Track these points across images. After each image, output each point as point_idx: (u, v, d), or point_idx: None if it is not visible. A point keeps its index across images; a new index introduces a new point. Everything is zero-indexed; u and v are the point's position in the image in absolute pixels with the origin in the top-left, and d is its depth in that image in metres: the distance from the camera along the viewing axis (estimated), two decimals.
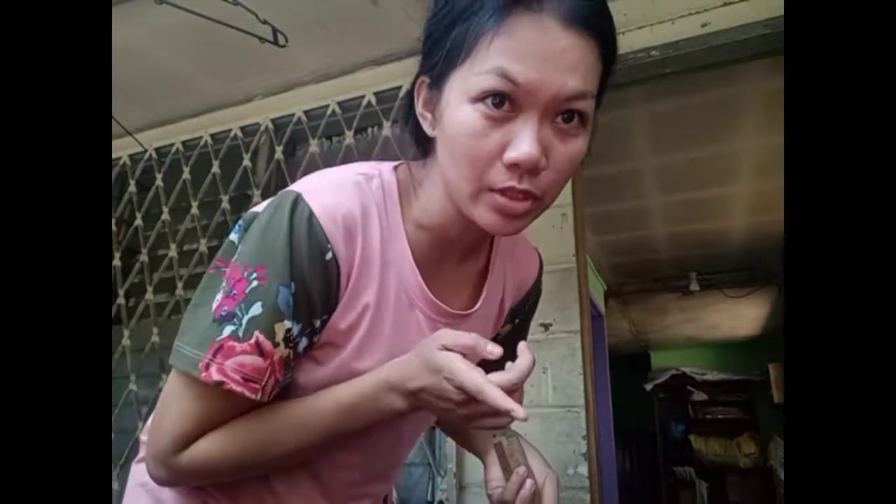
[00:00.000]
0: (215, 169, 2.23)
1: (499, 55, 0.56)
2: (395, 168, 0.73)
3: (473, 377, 0.56)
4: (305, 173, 2.24)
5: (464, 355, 0.58)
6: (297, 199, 0.62)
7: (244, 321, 0.60)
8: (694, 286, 4.36)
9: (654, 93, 2.25)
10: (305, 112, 2.14)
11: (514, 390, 0.57)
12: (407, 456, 0.86)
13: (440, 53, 0.60)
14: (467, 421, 0.60)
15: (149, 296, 2.18)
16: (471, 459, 1.63)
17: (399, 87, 1.99)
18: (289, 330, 0.61)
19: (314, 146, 2.09)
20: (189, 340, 0.61)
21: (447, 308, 0.71)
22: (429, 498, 1.67)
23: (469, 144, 0.58)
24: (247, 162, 2.19)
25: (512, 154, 0.57)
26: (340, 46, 2.00)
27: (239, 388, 0.59)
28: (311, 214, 0.61)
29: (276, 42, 1.82)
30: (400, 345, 0.68)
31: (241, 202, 2.21)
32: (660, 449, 6.41)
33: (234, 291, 0.61)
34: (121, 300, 2.25)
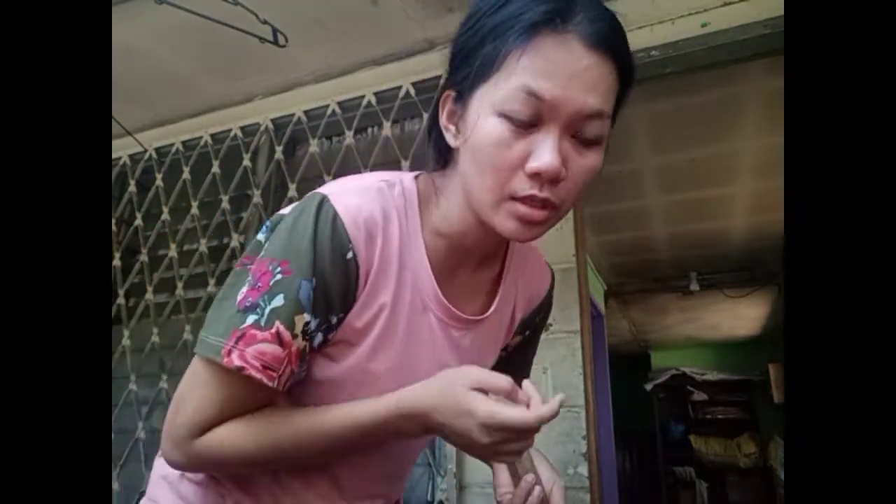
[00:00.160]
0: (215, 169, 2.23)
1: (526, 72, 0.60)
2: (416, 177, 0.76)
3: (523, 416, 0.58)
4: (305, 173, 2.23)
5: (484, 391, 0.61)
6: (323, 201, 0.66)
7: (266, 311, 0.63)
8: (694, 286, 4.36)
9: (654, 93, 2.25)
10: (305, 112, 2.14)
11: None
12: (416, 458, 0.88)
13: (469, 69, 0.64)
14: (492, 455, 0.63)
15: (149, 296, 2.18)
16: (471, 459, 1.63)
17: (399, 87, 1.99)
18: (307, 323, 0.64)
19: (314, 146, 2.09)
20: (213, 330, 0.65)
21: (459, 313, 0.74)
22: (429, 498, 1.67)
23: (494, 154, 0.62)
24: (247, 162, 2.19)
25: (534, 164, 0.60)
26: (340, 46, 2.00)
27: (258, 375, 0.62)
28: (335, 216, 0.65)
29: (276, 42, 1.82)
30: (412, 346, 0.71)
31: (241, 202, 2.21)
32: (660, 449, 6.40)
33: (259, 284, 0.64)
34: (121, 300, 2.25)
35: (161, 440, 0.69)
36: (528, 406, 0.61)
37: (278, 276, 0.64)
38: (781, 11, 1.54)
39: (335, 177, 1.98)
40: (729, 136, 2.59)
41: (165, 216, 2.27)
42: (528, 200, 0.62)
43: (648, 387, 6.56)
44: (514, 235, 0.65)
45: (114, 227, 2.41)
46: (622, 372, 5.06)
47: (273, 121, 2.21)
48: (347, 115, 2.07)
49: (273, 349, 0.63)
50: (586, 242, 1.95)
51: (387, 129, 1.99)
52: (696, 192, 3.13)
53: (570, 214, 1.73)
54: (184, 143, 2.37)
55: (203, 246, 2.15)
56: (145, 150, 2.40)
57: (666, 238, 3.78)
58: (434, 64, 1.96)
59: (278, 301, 0.63)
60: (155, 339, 2.10)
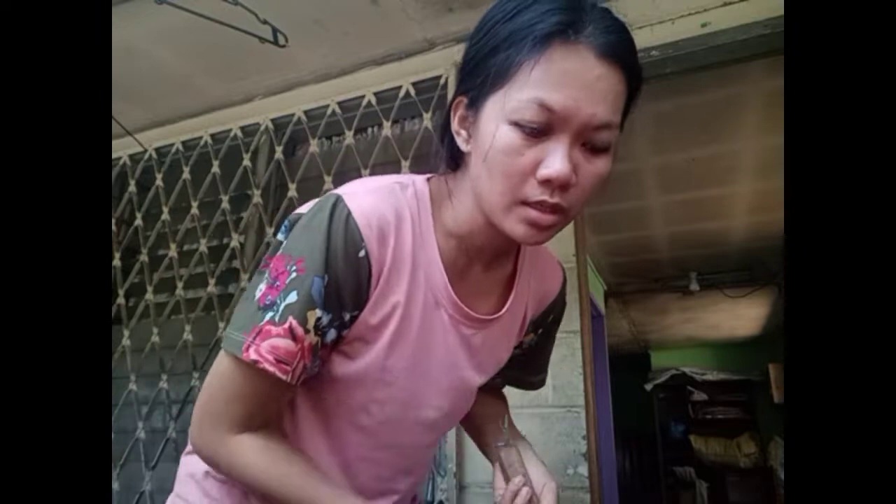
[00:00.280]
0: (215, 169, 2.23)
1: (538, 84, 0.61)
2: (429, 179, 0.78)
3: None
4: (305, 173, 2.23)
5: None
6: (338, 201, 0.68)
7: (281, 307, 0.66)
8: (694, 286, 4.36)
9: (655, 93, 2.24)
10: (305, 112, 2.14)
11: None
12: (430, 454, 0.90)
13: (481, 77, 0.66)
14: None
15: (149, 296, 2.18)
16: (471, 460, 1.63)
17: (399, 87, 1.99)
18: (319, 318, 0.66)
19: (314, 146, 2.09)
20: (236, 326, 0.68)
21: (471, 312, 0.76)
22: (429, 498, 1.67)
23: (505, 161, 0.63)
24: (247, 162, 2.19)
25: (545, 171, 0.62)
26: (340, 46, 2.00)
27: (271, 369, 0.65)
28: (348, 215, 0.67)
29: (276, 42, 1.82)
30: (425, 344, 0.74)
31: (241, 202, 2.21)
32: (660, 449, 6.41)
33: (277, 282, 0.67)
34: (121, 300, 2.25)
35: (190, 431, 0.72)
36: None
37: (293, 274, 0.66)
38: (781, 11, 1.54)
39: (335, 177, 1.99)
40: (729, 136, 2.59)
41: (165, 216, 2.27)
42: (538, 205, 0.64)
43: (648, 387, 6.56)
44: (524, 239, 0.66)
45: (114, 227, 2.41)
46: (622, 372, 5.06)
47: (273, 121, 2.21)
48: (347, 115, 2.07)
49: (286, 344, 0.65)
50: (586, 242, 1.95)
51: (387, 129, 1.99)
52: (696, 192, 3.13)
53: None
54: (184, 143, 2.37)
55: (203, 246, 2.15)
56: (145, 150, 2.40)
57: (666, 238, 3.78)
58: (434, 64, 1.96)
59: (292, 297, 0.66)
60: (155, 339, 2.10)
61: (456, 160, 0.74)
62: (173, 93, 2.26)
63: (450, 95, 0.73)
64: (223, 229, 2.18)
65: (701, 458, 6.12)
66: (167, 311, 2.14)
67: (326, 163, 2.04)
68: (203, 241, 2.15)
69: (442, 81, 1.93)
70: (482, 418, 0.93)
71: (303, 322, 0.65)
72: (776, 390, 5.84)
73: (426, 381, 0.76)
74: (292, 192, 2.04)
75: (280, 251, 0.69)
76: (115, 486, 2.02)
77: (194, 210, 2.21)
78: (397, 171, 1.89)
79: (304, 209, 0.72)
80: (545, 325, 0.92)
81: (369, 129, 2.16)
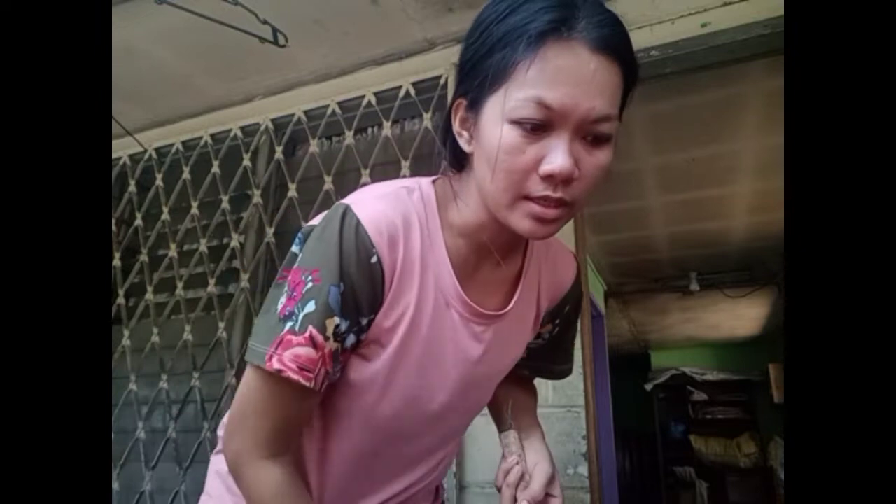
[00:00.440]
0: (215, 169, 2.23)
1: (535, 82, 0.62)
2: (434, 181, 0.79)
3: None
4: (305, 173, 2.23)
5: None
6: (347, 210, 0.71)
7: (300, 317, 0.68)
8: (694, 286, 4.36)
9: (654, 93, 2.24)
10: (305, 112, 2.14)
11: None
12: (453, 446, 0.92)
13: (478, 79, 0.67)
14: None
15: (149, 296, 2.18)
16: (471, 460, 1.63)
17: (399, 87, 1.99)
18: (338, 325, 0.69)
19: (314, 146, 2.09)
20: (258, 339, 0.70)
21: (480, 309, 0.77)
22: None
23: (507, 159, 0.64)
24: (247, 162, 2.19)
25: (547, 167, 0.63)
26: (340, 46, 2.00)
27: (295, 377, 0.67)
28: (358, 223, 0.69)
29: (276, 42, 1.82)
30: (436, 342, 0.76)
31: (241, 202, 2.21)
32: (660, 449, 6.40)
33: (294, 293, 0.70)
34: (121, 300, 2.25)
35: (223, 441, 0.76)
36: None
37: (310, 285, 0.69)
38: (781, 11, 1.54)
39: (335, 177, 1.99)
40: (729, 136, 2.59)
41: (165, 216, 2.27)
42: (542, 200, 0.65)
43: (648, 387, 6.56)
44: (531, 233, 0.68)
45: (114, 227, 2.41)
46: (622, 372, 5.06)
47: (273, 121, 2.21)
48: (347, 115, 2.07)
49: (307, 352, 0.68)
50: (586, 242, 1.95)
51: (387, 129, 1.99)
52: (696, 192, 3.13)
53: None
54: (184, 143, 2.36)
55: (203, 246, 2.15)
56: (145, 150, 2.40)
57: (666, 238, 3.78)
58: (434, 64, 1.96)
59: (310, 307, 0.68)
60: (155, 339, 2.10)
61: (459, 161, 0.75)
62: (173, 93, 2.26)
63: (450, 95, 0.75)
64: (223, 229, 2.18)
65: (701, 458, 6.12)
66: (167, 311, 2.14)
67: (326, 163, 2.04)
68: (203, 241, 2.15)
69: (442, 81, 1.93)
70: (499, 407, 0.94)
71: (322, 330, 0.68)
72: (776, 390, 5.84)
73: (437, 378, 0.78)
74: (292, 192, 2.04)
75: (296, 264, 0.72)
76: (115, 486, 2.02)
77: (194, 210, 2.21)
78: (397, 171, 1.89)
79: (316, 221, 0.75)
80: (562, 315, 0.93)
81: (369, 129, 2.16)
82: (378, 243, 0.70)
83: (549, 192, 0.64)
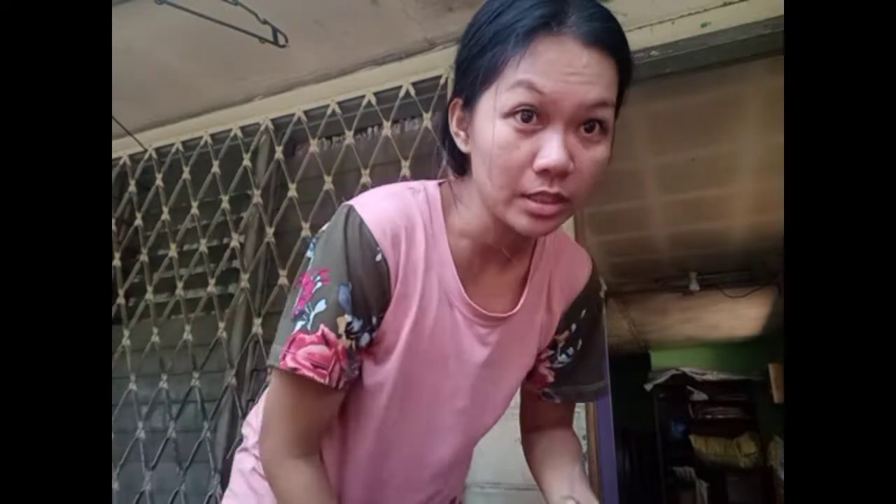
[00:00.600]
0: (215, 169, 2.23)
1: (525, 73, 0.62)
2: (440, 184, 0.80)
3: None
4: (305, 173, 2.22)
5: None
6: (350, 211, 0.72)
7: (311, 316, 0.70)
8: (694, 286, 4.35)
9: (654, 93, 2.24)
10: (305, 112, 2.14)
11: None
12: (465, 455, 0.92)
13: (471, 78, 0.67)
14: None
15: (149, 296, 2.18)
16: (471, 460, 1.62)
17: (399, 87, 1.99)
18: (349, 323, 0.71)
19: (314, 146, 2.09)
20: (276, 340, 0.73)
21: (483, 310, 0.77)
22: None
23: (502, 156, 0.64)
24: (247, 162, 2.19)
25: (542, 161, 0.62)
26: (340, 46, 2.00)
27: (309, 374, 0.69)
28: (361, 222, 0.71)
29: (276, 42, 1.82)
30: (440, 343, 0.76)
31: (241, 202, 2.20)
32: (660, 449, 6.40)
33: (305, 293, 0.72)
34: (121, 300, 2.25)
35: (258, 443, 0.78)
36: None
37: (319, 284, 0.71)
38: (781, 11, 1.54)
39: (335, 177, 1.99)
40: (729, 136, 2.59)
41: (165, 216, 2.26)
42: (538, 196, 0.64)
43: (648, 387, 6.55)
44: (529, 231, 0.67)
45: (114, 227, 2.41)
46: (622, 372, 5.05)
47: (273, 121, 2.20)
48: (347, 115, 2.07)
49: (320, 350, 0.70)
50: (586, 242, 1.94)
51: (387, 129, 1.99)
52: (696, 192, 3.13)
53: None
54: (184, 143, 2.36)
55: (203, 246, 2.14)
56: (145, 150, 2.40)
57: (666, 238, 3.78)
58: (434, 64, 1.95)
59: (321, 306, 0.70)
60: (155, 339, 2.10)
61: (461, 164, 0.75)
62: (173, 93, 2.26)
63: (450, 96, 0.74)
64: (223, 229, 2.18)
65: (701, 458, 6.11)
66: (167, 311, 2.14)
67: (326, 163, 2.04)
68: (203, 241, 2.15)
69: (442, 81, 1.93)
70: (543, 464, 0.90)
71: (334, 328, 0.70)
72: (776, 390, 5.83)
73: (443, 379, 0.79)
74: (292, 192, 2.04)
75: (308, 267, 0.74)
76: (115, 486, 2.02)
77: (194, 210, 2.21)
78: (397, 170, 1.89)
79: (325, 227, 0.77)
80: (579, 321, 0.89)
81: (369, 129, 2.16)
82: (381, 241, 0.71)
83: (545, 188, 0.63)
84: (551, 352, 0.89)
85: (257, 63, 2.07)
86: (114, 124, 2.14)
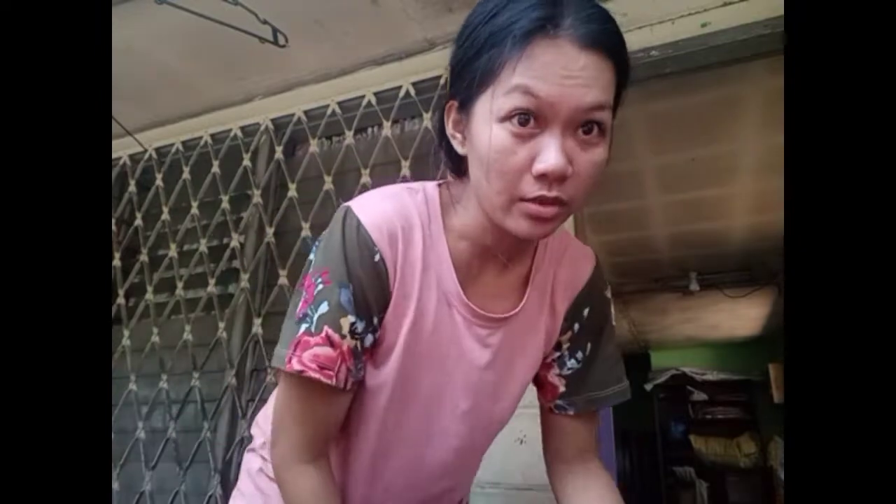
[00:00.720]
0: (215, 169, 2.23)
1: (521, 76, 0.61)
2: (440, 185, 0.79)
3: None
4: (305, 173, 2.22)
5: None
6: (347, 212, 0.72)
7: (315, 318, 0.71)
8: (694, 286, 4.35)
9: (654, 93, 2.24)
10: (305, 112, 2.14)
11: None
12: (471, 459, 0.90)
13: (467, 80, 0.66)
14: None
15: (149, 296, 2.18)
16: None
17: (399, 87, 1.99)
18: (353, 324, 0.71)
19: (314, 146, 2.09)
20: (281, 343, 0.73)
21: (482, 312, 0.76)
22: None
23: (500, 160, 0.63)
24: (247, 162, 2.19)
25: (540, 166, 0.62)
26: (340, 46, 2.00)
27: (316, 375, 0.69)
28: (358, 223, 0.71)
29: (276, 42, 1.82)
30: (440, 345, 0.76)
31: (241, 202, 2.20)
32: (660, 449, 6.40)
33: (307, 296, 0.72)
34: (121, 300, 2.25)
35: (270, 446, 0.78)
36: None
37: (320, 286, 0.71)
38: (781, 11, 1.54)
39: (335, 177, 1.99)
40: (729, 136, 2.59)
41: (165, 216, 2.26)
42: (537, 201, 0.63)
43: (648, 387, 6.55)
44: (528, 234, 0.66)
45: (114, 227, 2.41)
46: None
47: (273, 121, 2.20)
48: (347, 115, 2.07)
49: (325, 351, 0.70)
50: (586, 242, 1.94)
51: (387, 129, 1.99)
52: (696, 192, 3.13)
53: (571, 215, 1.73)
54: (184, 143, 2.36)
55: (203, 246, 2.14)
56: (145, 150, 2.39)
57: (666, 238, 3.78)
58: (434, 64, 1.95)
59: (323, 308, 0.70)
60: (155, 339, 2.10)
61: (458, 165, 0.75)
62: (173, 93, 2.26)
63: (446, 97, 0.74)
64: (223, 229, 2.18)
65: (701, 458, 6.11)
66: (167, 311, 2.14)
67: (326, 163, 2.04)
68: (203, 241, 2.15)
69: (442, 81, 1.92)
70: None
71: (338, 329, 0.70)
72: (776, 390, 5.83)
73: (442, 381, 0.78)
74: (292, 192, 2.04)
75: (310, 270, 0.74)
76: (115, 486, 2.02)
77: (194, 210, 2.21)
78: (397, 170, 1.89)
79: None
80: (582, 321, 0.86)
81: (369, 129, 2.16)
82: (378, 241, 0.71)
83: (543, 192, 0.63)
84: (557, 354, 0.87)
85: (257, 63, 2.07)
86: (114, 124, 2.14)
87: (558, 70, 0.60)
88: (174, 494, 1.86)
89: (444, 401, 0.79)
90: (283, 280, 1.91)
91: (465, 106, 0.68)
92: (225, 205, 2.16)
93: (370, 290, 0.71)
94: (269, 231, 2.05)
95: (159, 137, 2.41)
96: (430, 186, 0.78)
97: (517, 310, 0.79)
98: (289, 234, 2.04)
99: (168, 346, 2.07)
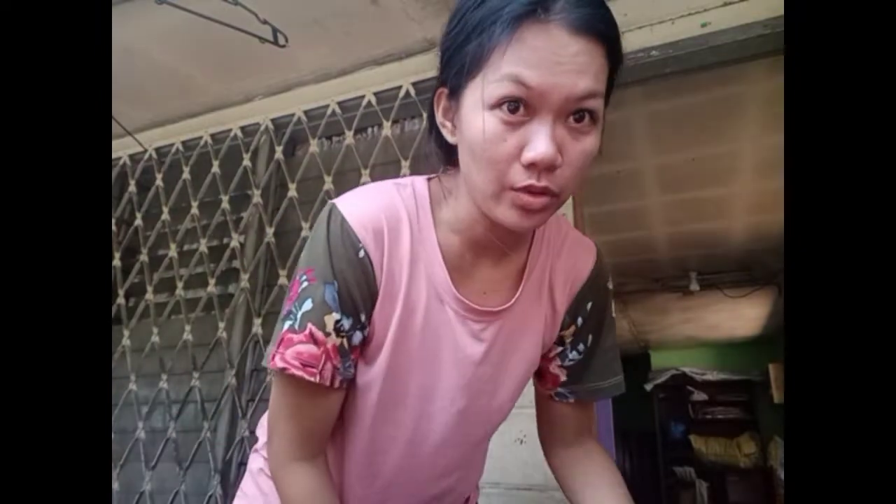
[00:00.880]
0: (215, 169, 2.23)
1: (512, 63, 0.60)
2: (429, 179, 0.79)
3: None
4: (305, 173, 2.22)
5: None
6: (331, 209, 0.72)
7: (298, 316, 0.70)
8: (694, 286, 4.35)
9: (654, 93, 2.24)
10: (305, 112, 2.14)
11: None
12: (471, 456, 0.89)
13: (457, 67, 0.65)
14: None
15: (149, 296, 2.18)
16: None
17: (399, 87, 1.99)
18: (338, 321, 0.70)
19: (314, 146, 2.09)
20: (271, 342, 0.73)
21: (475, 306, 0.75)
22: None
23: (489, 149, 0.62)
24: (247, 162, 2.19)
25: (529, 154, 0.60)
26: (340, 46, 2.00)
27: (299, 373, 0.69)
28: (342, 220, 0.71)
29: (276, 42, 1.82)
30: (432, 340, 0.75)
31: (241, 202, 2.20)
32: (660, 449, 6.40)
33: (291, 293, 0.72)
34: (121, 300, 2.25)
35: (267, 445, 0.78)
36: None
37: (305, 284, 0.71)
38: (781, 11, 1.54)
39: (335, 177, 1.99)
40: (729, 136, 2.59)
41: (165, 216, 2.27)
42: (526, 190, 0.62)
43: (648, 387, 6.55)
44: (516, 225, 0.65)
45: (114, 227, 2.41)
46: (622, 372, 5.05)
47: (273, 121, 2.20)
48: (347, 115, 2.07)
49: (308, 348, 0.69)
50: None
51: (387, 129, 1.99)
52: (696, 192, 3.13)
53: (571, 215, 1.73)
54: (184, 143, 2.36)
55: (203, 246, 2.15)
56: (145, 150, 2.40)
57: (666, 238, 3.78)
58: (434, 64, 1.94)
59: (307, 305, 0.70)
60: (155, 339, 2.10)
61: (450, 157, 0.74)
62: (173, 93, 2.26)
63: (436, 85, 0.73)
64: (223, 229, 2.18)
65: (701, 458, 6.11)
66: (167, 311, 2.14)
67: (326, 163, 2.04)
68: (203, 241, 2.15)
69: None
70: (585, 495, 0.85)
71: (321, 327, 0.70)
72: (776, 390, 5.83)
73: (434, 378, 0.77)
74: (292, 192, 2.04)
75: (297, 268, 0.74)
76: (115, 486, 2.02)
77: (194, 210, 2.21)
78: (397, 171, 1.89)
79: None
80: (585, 315, 0.85)
81: (369, 129, 2.16)
82: (363, 238, 0.70)
83: (532, 181, 0.61)
84: (560, 349, 0.86)
85: (257, 63, 2.07)
86: (114, 124, 2.14)
87: (549, 56, 0.59)
88: (174, 494, 1.86)
89: (437, 398, 0.77)
90: (283, 280, 1.91)
91: (455, 93, 0.66)
92: (225, 205, 2.16)
93: (356, 288, 0.70)
94: (269, 231, 2.05)
95: (159, 137, 2.41)
96: (419, 180, 0.77)
97: (511, 303, 0.77)
98: (289, 234, 2.04)
99: (168, 346, 2.07)
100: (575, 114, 0.61)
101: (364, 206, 0.72)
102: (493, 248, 0.75)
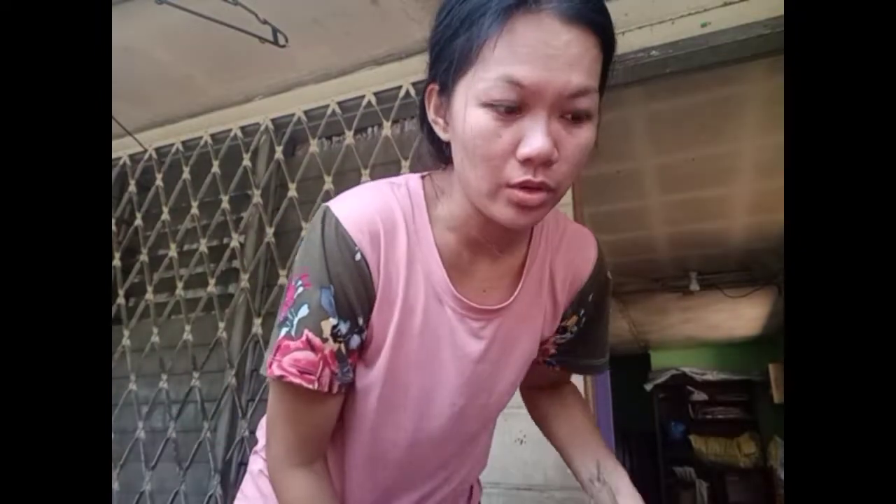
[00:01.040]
0: (215, 169, 2.23)
1: (503, 60, 0.58)
2: (423, 177, 0.77)
3: None
4: (305, 173, 2.22)
5: None
6: (326, 212, 0.70)
7: (295, 322, 0.69)
8: (694, 286, 4.35)
9: (654, 93, 2.24)
10: (305, 112, 2.14)
11: None
12: (473, 449, 0.89)
13: (446, 62, 0.64)
14: None
15: (149, 296, 2.18)
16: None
17: (399, 87, 1.99)
18: (335, 326, 0.69)
19: (314, 146, 2.09)
20: (268, 350, 0.71)
21: (474, 304, 0.74)
22: None
23: (482, 145, 0.61)
24: (247, 162, 2.19)
25: (525, 150, 0.59)
26: (340, 46, 2.00)
27: (297, 380, 0.68)
28: (337, 223, 0.69)
29: (276, 42, 1.82)
30: (432, 339, 0.74)
31: (241, 202, 2.21)
32: (660, 449, 6.40)
33: (287, 299, 0.71)
34: (121, 300, 2.25)
35: (265, 450, 0.78)
36: None
37: (300, 289, 0.69)
38: (781, 11, 1.54)
39: (335, 177, 1.99)
40: (729, 136, 2.59)
41: (165, 216, 2.27)
42: (522, 186, 0.61)
43: (648, 387, 6.56)
44: (513, 223, 0.64)
45: (114, 227, 2.41)
46: (622, 372, 5.05)
47: (273, 121, 2.21)
48: (347, 115, 2.07)
49: (306, 355, 0.68)
50: None
51: (387, 129, 1.99)
52: (696, 192, 3.13)
53: (571, 214, 1.73)
54: (184, 143, 2.36)
55: (203, 246, 2.15)
56: (145, 150, 2.40)
57: (666, 238, 3.78)
58: None
59: (304, 311, 0.68)
60: (155, 339, 2.10)
61: (443, 154, 0.73)
62: (173, 93, 2.26)
63: (426, 80, 0.71)
64: (223, 229, 2.18)
65: (701, 458, 6.11)
66: (167, 311, 2.14)
67: (326, 163, 2.04)
68: (203, 241, 2.15)
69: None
70: (565, 437, 0.91)
71: (318, 333, 0.68)
72: (776, 390, 5.83)
73: (434, 379, 0.76)
74: (292, 192, 2.04)
75: (291, 273, 0.73)
76: (115, 486, 2.02)
77: (194, 210, 2.21)
78: (397, 171, 1.89)
79: None
80: (586, 305, 0.86)
81: (369, 129, 2.16)
82: (359, 240, 0.69)
83: (528, 177, 0.60)
84: (560, 337, 0.87)
85: (257, 63, 2.07)
86: (114, 124, 2.14)
87: (541, 48, 0.57)
88: (174, 494, 1.86)
89: (436, 398, 0.77)
90: (282, 280, 1.91)
91: (446, 89, 0.65)
92: (225, 205, 2.16)
93: (352, 291, 0.69)
94: (269, 231, 2.05)
95: (159, 137, 2.41)
96: (414, 179, 0.76)
97: (511, 300, 0.77)
98: (289, 234, 2.04)
99: (168, 346, 2.07)
100: (569, 111, 0.60)
101: (359, 209, 0.70)
102: (488, 245, 0.74)
